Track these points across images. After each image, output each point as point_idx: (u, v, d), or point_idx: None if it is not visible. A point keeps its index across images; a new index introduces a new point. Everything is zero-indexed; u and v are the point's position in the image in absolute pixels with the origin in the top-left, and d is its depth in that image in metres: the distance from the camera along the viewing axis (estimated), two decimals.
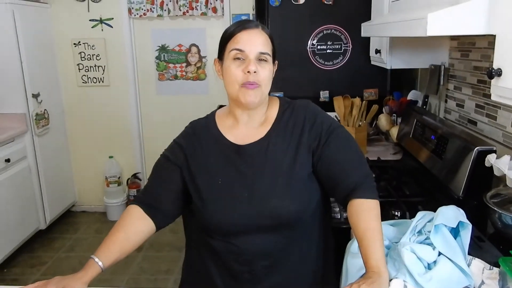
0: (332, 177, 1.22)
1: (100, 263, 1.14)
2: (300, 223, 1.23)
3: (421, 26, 1.25)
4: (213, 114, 1.36)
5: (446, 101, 2.27)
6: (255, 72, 1.17)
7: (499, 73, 1.09)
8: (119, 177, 4.05)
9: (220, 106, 1.40)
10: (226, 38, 1.22)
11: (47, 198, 3.67)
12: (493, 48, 1.82)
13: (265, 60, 1.20)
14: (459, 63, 2.12)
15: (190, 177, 1.27)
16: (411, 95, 2.56)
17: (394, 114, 2.60)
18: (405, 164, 2.17)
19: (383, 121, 2.53)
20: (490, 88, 1.83)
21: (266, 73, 1.20)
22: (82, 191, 4.24)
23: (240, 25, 1.21)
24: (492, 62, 1.82)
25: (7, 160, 3.16)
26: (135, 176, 4.11)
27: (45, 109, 3.62)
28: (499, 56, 1.11)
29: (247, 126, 1.28)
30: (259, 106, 1.25)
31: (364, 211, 1.14)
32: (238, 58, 1.18)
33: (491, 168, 1.43)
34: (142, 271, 3.18)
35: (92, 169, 4.13)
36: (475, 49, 1.96)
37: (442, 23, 1.22)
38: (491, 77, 1.11)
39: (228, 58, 1.20)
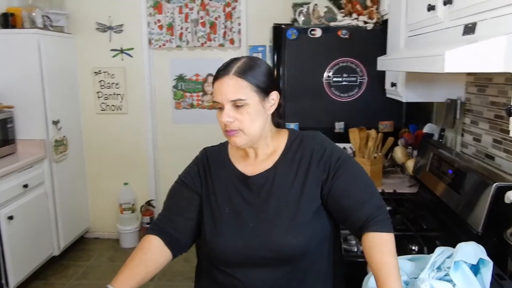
0: (343, 210, 1.20)
1: None
2: (304, 258, 1.20)
3: (438, 62, 1.27)
4: (227, 142, 1.36)
5: (462, 135, 2.26)
6: (232, 121, 1.18)
7: None
8: (133, 204, 4.08)
9: None
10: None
11: (62, 224, 3.69)
12: (510, 84, 1.84)
13: (241, 105, 1.18)
14: (476, 98, 2.13)
15: (204, 203, 1.28)
16: (427, 128, 2.56)
17: (409, 147, 2.59)
18: (421, 197, 2.16)
19: (398, 153, 2.52)
20: (507, 123, 1.83)
21: (245, 117, 1.18)
22: (96, 218, 4.26)
23: (216, 74, 1.21)
24: (510, 98, 1.83)
25: (25, 186, 3.22)
26: (149, 203, 4.13)
27: (64, 136, 3.70)
28: None
29: (256, 159, 1.29)
30: (257, 142, 1.25)
31: (378, 246, 1.11)
32: (220, 108, 1.20)
33: (510, 204, 1.41)
34: None
35: (107, 195, 4.17)
36: (492, 84, 1.97)
37: (459, 60, 1.23)
38: (510, 114, 1.11)
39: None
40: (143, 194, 4.16)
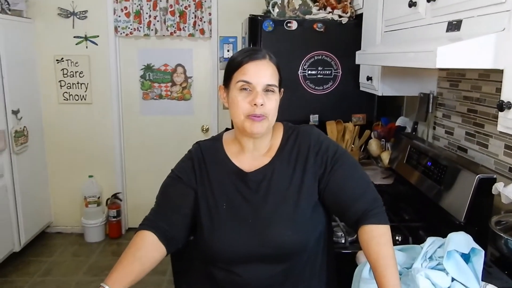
0: (340, 204, 1.21)
1: None
2: (303, 254, 1.22)
3: (430, 58, 1.30)
4: (220, 136, 1.34)
5: (434, 128, 2.35)
6: (262, 105, 1.16)
7: (509, 106, 1.14)
8: (98, 197, 3.95)
9: (227, 129, 1.39)
10: (233, 67, 1.21)
11: (23, 219, 3.52)
12: (484, 80, 1.92)
13: (272, 91, 1.19)
14: (448, 93, 2.21)
15: (200, 199, 1.25)
16: (400, 121, 2.63)
17: (382, 139, 2.66)
18: (398, 188, 2.22)
19: (373, 146, 2.58)
20: (481, 117, 1.92)
21: (272, 104, 1.19)
22: (59, 212, 4.10)
23: (248, 55, 1.20)
24: (483, 93, 1.91)
25: None
26: (115, 196, 4.01)
27: (24, 126, 3.52)
28: (508, 89, 1.17)
29: (253, 154, 1.27)
30: (265, 135, 1.25)
31: (375, 238, 1.14)
32: (245, 89, 1.18)
33: (490, 195, 1.48)
34: None
35: (71, 188, 4.01)
36: (465, 79, 2.05)
37: (450, 57, 1.27)
38: (501, 109, 1.16)
39: (234, 88, 1.20)
40: (109, 187, 4.03)
